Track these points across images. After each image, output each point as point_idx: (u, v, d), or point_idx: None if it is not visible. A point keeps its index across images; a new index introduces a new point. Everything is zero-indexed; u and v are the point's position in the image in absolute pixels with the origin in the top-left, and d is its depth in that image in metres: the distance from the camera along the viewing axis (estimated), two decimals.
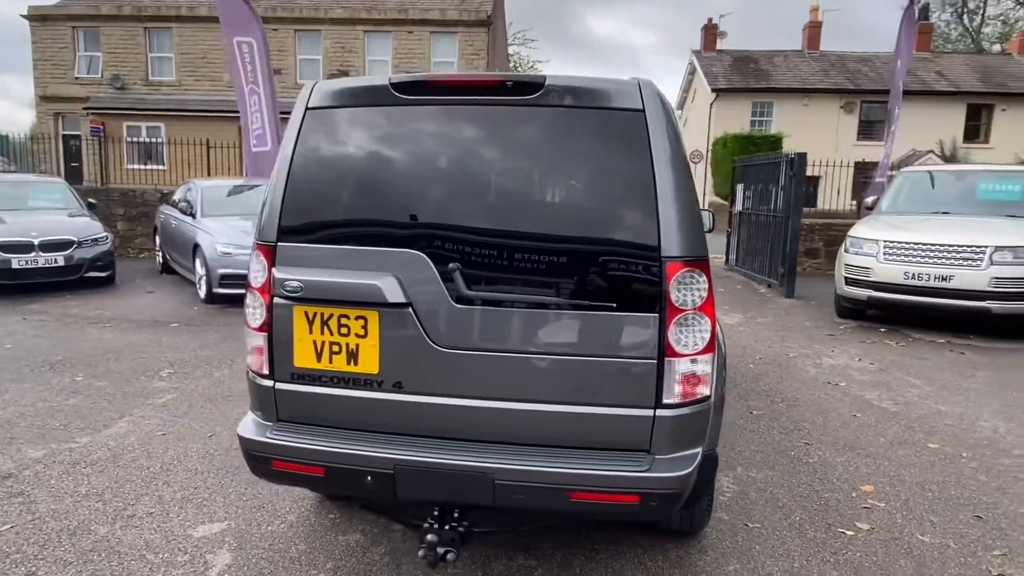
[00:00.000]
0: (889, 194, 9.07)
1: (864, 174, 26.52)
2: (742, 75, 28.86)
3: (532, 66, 45.06)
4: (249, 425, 2.56)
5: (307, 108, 2.53)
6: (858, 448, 4.28)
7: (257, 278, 2.52)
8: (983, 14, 42.75)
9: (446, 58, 23.97)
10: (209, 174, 18.16)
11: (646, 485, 2.22)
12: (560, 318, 2.33)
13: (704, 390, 2.34)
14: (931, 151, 25.92)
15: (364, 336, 2.41)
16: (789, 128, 25.40)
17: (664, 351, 2.27)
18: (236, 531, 3.15)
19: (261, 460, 2.48)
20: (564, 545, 3.07)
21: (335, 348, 2.44)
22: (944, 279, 7.24)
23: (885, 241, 7.66)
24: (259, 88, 10.56)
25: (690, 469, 2.27)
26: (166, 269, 10.92)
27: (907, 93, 27.29)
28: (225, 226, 8.70)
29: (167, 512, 3.30)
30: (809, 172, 9.94)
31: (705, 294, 2.29)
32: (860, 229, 8.26)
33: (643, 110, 2.30)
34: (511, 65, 34.69)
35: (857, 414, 4.94)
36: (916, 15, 11.31)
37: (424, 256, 2.34)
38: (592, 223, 2.34)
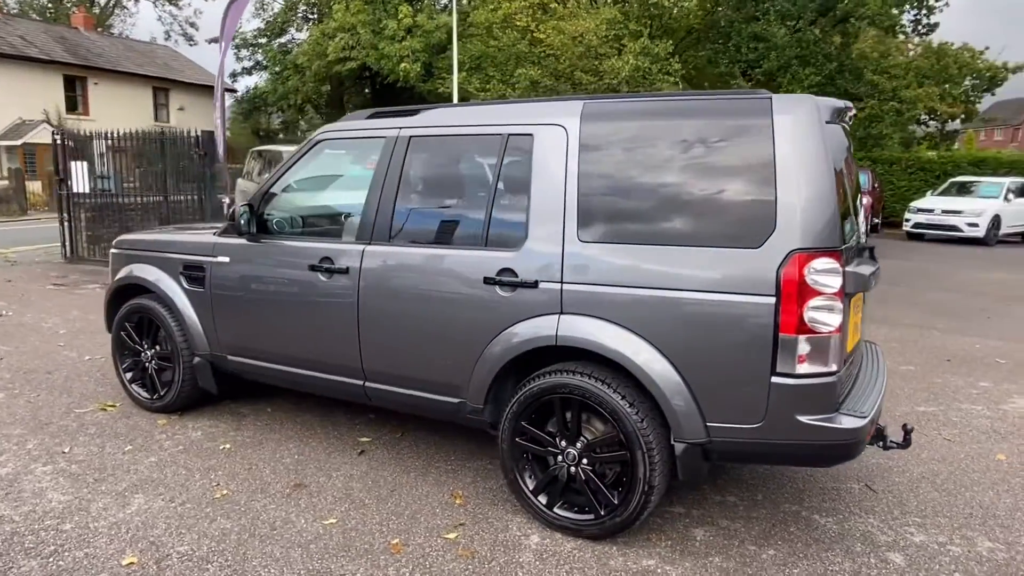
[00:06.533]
0: None
1: None
2: None
3: None
4: (846, 422, 2.74)
5: (826, 122, 2.82)
6: None
7: (836, 282, 2.68)
8: None
9: None
10: None
11: None
12: None
13: None
14: (44, 121, 25.12)
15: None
16: None
17: None
18: None
19: (864, 438, 2.80)
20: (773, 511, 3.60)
21: (849, 327, 2.96)
22: None
23: None
24: None
25: None
26: None
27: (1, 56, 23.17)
28: None
29: None
30: None
31: None
32: None
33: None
34: None
35: None
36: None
37: None
38: None
